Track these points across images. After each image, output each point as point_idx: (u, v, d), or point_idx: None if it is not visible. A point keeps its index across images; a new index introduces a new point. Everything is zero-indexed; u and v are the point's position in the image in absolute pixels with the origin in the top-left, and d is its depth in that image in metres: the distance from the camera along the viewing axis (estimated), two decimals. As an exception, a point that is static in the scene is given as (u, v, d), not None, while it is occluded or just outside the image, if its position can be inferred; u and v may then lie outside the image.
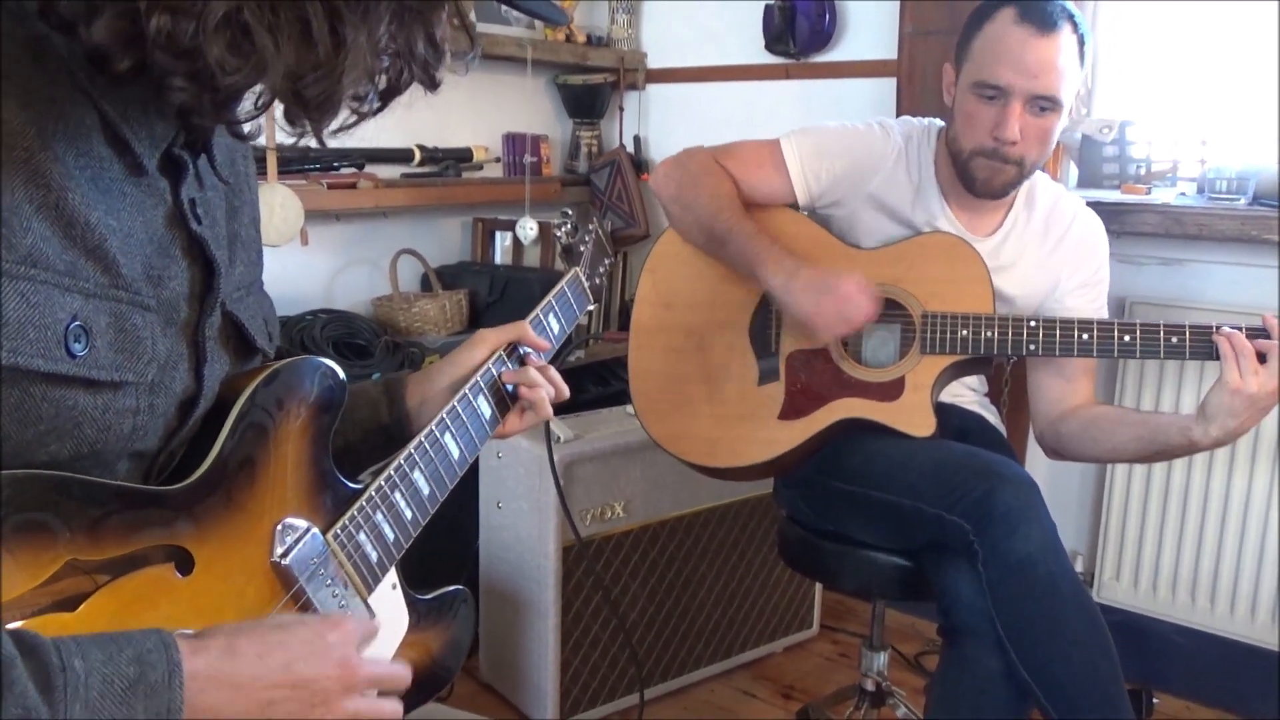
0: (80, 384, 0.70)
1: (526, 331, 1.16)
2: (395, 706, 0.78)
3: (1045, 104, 1.62)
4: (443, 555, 2.31)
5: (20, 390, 0.67)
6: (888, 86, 2.53)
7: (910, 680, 2.42)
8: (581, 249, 1.33)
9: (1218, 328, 1.53)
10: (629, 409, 2.36)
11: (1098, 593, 2.38)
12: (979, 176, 1.68)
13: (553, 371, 1.15)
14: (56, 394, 0.69)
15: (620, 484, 2.20)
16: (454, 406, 1.02)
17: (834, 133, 1.80)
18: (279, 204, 2.24)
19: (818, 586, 2.61)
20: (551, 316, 1.21)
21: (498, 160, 2.88)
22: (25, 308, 0.66)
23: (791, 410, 1.74)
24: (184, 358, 0.80)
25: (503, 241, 2.81)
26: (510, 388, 1.12)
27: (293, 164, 2.36)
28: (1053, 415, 1.79)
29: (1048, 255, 1.79)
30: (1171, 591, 2.31)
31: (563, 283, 1.26)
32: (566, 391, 1.15)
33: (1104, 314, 1.81)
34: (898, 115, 2.43)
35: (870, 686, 1.99)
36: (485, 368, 1.08)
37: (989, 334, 1.64)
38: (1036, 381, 1.82)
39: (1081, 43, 1.61)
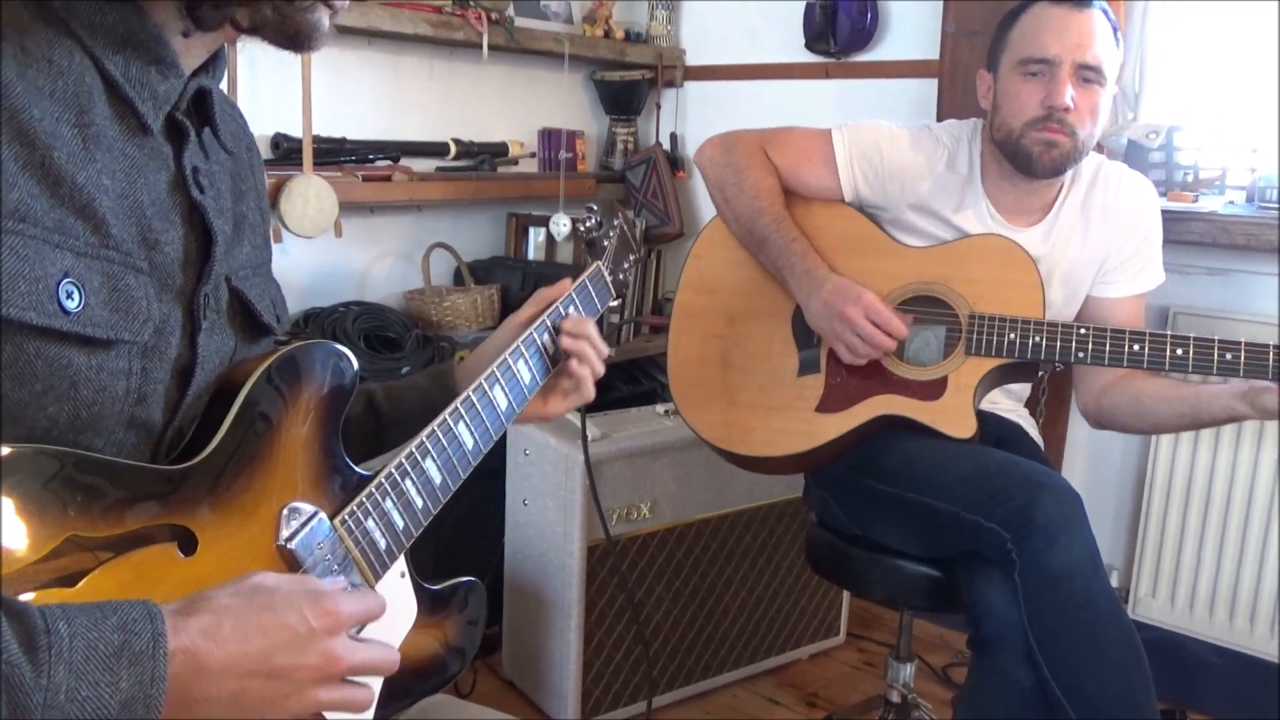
0: (74, 341, 0.70)
1: (549, 291, 1.18)
2: (367, 693, 0.76)
3: (1090, 74, 1.62)
4: (468, 551, 2.31)
5: (14, 346, 0.67)
6: (929, 87, 2.49)
7: (937, 692, 2.38)
8: (605, 243, 1.31)
9: (1277, 347, 1.47)
10: (659, 408, 2.34)
11: (1133, 609, 2.32)
12: (1034, 152, 1.64)
13: (590, 326, 1.17)
14: (51, 351, 0.69)
15: (647, 484, 2.18)
16: (469, 396, 1.00)
17: (885, 133, 1.77)
18: (314, 195, 2.24)
19: (845, 594, 2.57)
20: (571, 309, 1.20)
21: (533, 155, 2.87)
22: (15, 261, 0.66)
23: (830, 403, 1.72)
24: (179, 324, 0.80)
25: (536, 237, 2.80)
26: (553, 354, 1.14)
27: (328, 156, 2.36)
28: (1097, 387, 1.76)
29: (1095, 226, 1.74)
30: (1209, 610, 2.25)
31: (584, 276, 1.24)
32: (605, 348, 1.18)
33: (1159, 277, 1.77)
34: (939, 116, 2.40)
35: (896, 698, 1.95)
36: (502, 359, 1.07)
37: (1037, 339, 1.60)
38: None
39: (1114, 28, 1.65)
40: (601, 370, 1.16)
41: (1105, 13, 1.64)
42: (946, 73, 2.43)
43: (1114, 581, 2.41)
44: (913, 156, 1.75)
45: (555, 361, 1.15)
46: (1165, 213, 2.06)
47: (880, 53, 2.69)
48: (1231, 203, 2.20)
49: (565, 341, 1.14)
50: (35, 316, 0.67)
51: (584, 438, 2.00)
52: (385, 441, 1.11)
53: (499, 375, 1.05)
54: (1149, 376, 1.71)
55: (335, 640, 0.72)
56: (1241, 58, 2.23)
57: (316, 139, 2.30)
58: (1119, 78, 1.71)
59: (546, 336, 1.14)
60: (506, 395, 1.06)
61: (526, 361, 1.10)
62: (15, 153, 0.67)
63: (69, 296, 0.69)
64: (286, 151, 2.29)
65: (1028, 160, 1.65)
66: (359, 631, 0.80)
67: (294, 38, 0.80)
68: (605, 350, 1.17)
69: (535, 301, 1.18)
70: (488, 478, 2.23)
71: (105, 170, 0.73)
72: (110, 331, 0.72)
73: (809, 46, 2.74)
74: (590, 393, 1.16)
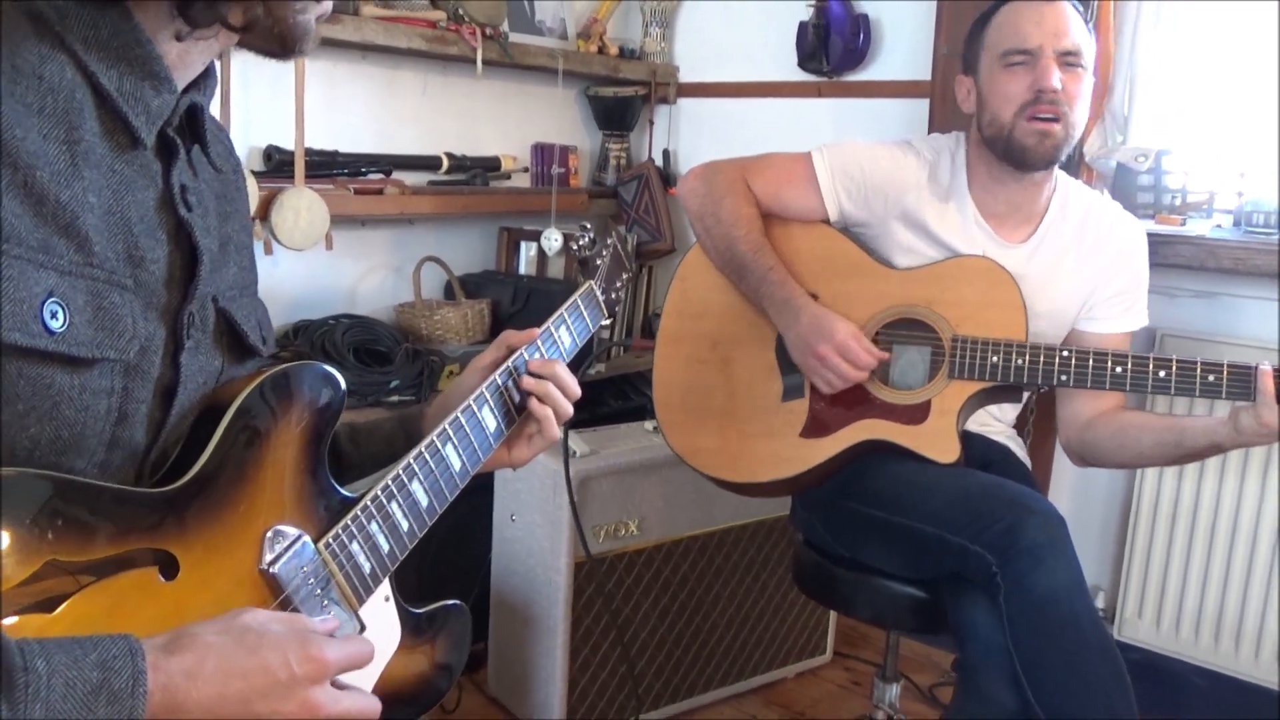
0: (58, 361, 0.70)
1: (512, 337, 1.14)
2: None
3: (1072, 58, 1.64)
4: (454, 566, 2.30)
5: None
6: (920, 107, 2.50)
7: (923, 712, 2.37)
8: (598, 262, 1.31)
9: (1258, 367, 1.48)
10: (648, 425, 2.34)
11: (1119, 630, 2.32)
12: (1028, 143, 1.64)
13: (559, 367, 1.11)
14: (34, 372, 0.69)
15: (635, 501, 2.18)
16: (457, 417, 1.00)
17: (866, 150, 1.78)
18: (305, 208, 2.24)
19: (832, 612, 2.57)
20: (563, 329, 1.19)
21: (525, 170, 2.87)
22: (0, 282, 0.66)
23: (814, 428, 1.72)
24: (162, 343, 0.80)
25: (527, 252, 2.80)
26: (518, 398, 1.10)
27: (320, 168, 2.36)
28: (1079, 422, 1.75)
29: (1085, 260, 1.75)
30: (1194, 632, 2.25)
31: (576, 296, 1.24)
32: (576, 390, 1.12)
33: (1143, 320, 1.78)
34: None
35: (882, 717, 1.95)
36: (491, 379, 1.06)
37: (1020, 361, 1.61)
38: (1063, 389, 1.78)
39: (1084, 18, 1.68)
40: (569, 412, 1.11)
41: (1074, 3, 1.67)
42: (938, 93, 2.44)
43: (1100, 602, 2.41)
44: (893, 169, 1.76)
45: (520, 409, 1.10)
46: (1153, 235, 2.08)
47: (873, 72, 2.70)
48: (1219, 226, 2.21)
49: (527, 382, 1.09)
50: (20, 337, 0.67)
51: (565, 455, 1.99)
52: (343, 483, 1.09)
53: (487, 394, 1.05)
54: (1133, 411, 1.72)
55: (317, 689, 0.72)
56: (1230, 83, 2.24)
57: (309, 151, 2.30)
58: (1094, 68, 1.72)
59: (510, 382, 1.09)
60: (495, 416, 1.06)
61: (491, 407, 1.06)
62: None
63: (53, 316, 0.69)
64: (279, 164, 2.29)
65: (1022, 152, 1.65)
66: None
67: (284, 39, 0.81)
68: (575, 391, 1.12)
69: (498, 346, 1.13)
70: (475, 493, 2.21)
71: (92, 187, 0.73)
72: (95, 350, 0.72)
73: (802, 65, 2.75)
74: (555, 434, 1.11)
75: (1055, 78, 1.61)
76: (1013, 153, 1.67)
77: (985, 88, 1.70)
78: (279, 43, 0.81)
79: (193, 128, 0.85)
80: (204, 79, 0.85)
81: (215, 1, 0.76)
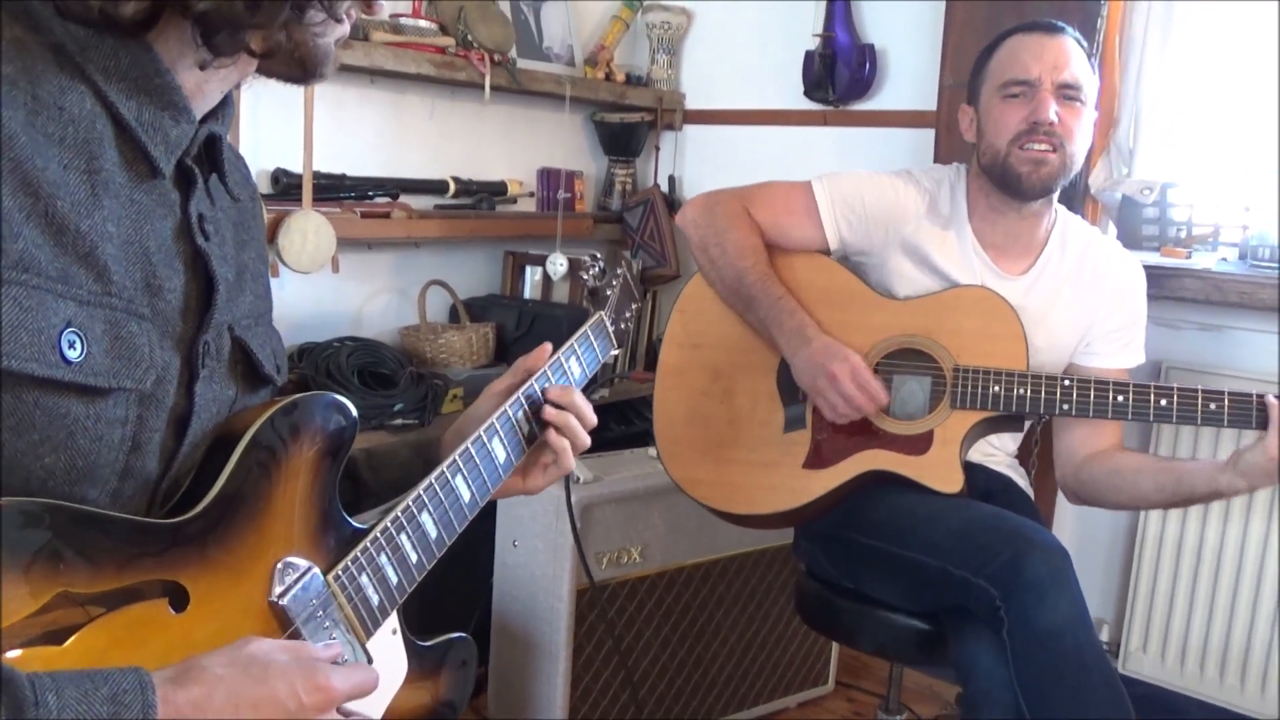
0: (74, 391, 0.70)
1: (529, 361, 1.14)
2: None
3: (1071, 91, 1.65)
4: (456, 591, 2.29)
5: (14, 397, 0.67)
6: (926, 137, 2.51)
7: (926, 743, 2.36)
8: (608, 293, 1.31)
9: (1259, 396, 1.49)
10: (651, 451, 2.33)
11: (1123, 664, 2.31)
12: (1022, 172, 1.65)
13: (577, 397, 1.13)
14: (50, 401, 0.69)
15: (638, 528, 2.17)
16: (467, 448, 1.00)
17: (866, 180, 1.79)
18: (312, 231, 2.24)
19: (834, 642, 2.55)
20: (573, 360, 1.20)
21: (531, 195, 2.88)
22: (18, 312, 0.66)
23: (816, 460, 1.71)
24: (177, 372, 0.80)
25: (533, 276, 2.81)
26: (529, 428, 1.10)
27: (327, 192, 2.37)
28: (1076, 460, 1.76)
29: (1082, 294, 1.76)
30: (1199, 666, 2.24)
31: (586, 326, 1.25)
32: (594, 419, 1.14)
33: (1140, 357, 1.79)
34: (935, 167, 2.42)
35: (884, 750, 1.94)
36: (502, 410, 1.06)
37: (1022, 391, 1.61)
38: (1060, 424, 1.79)
39: (1088, 54, 1.70)
40: (586, 443, 1.12)
41: (1078, 40, 1.68)
42: (943, 124, 2.45)
43: (1104, 635, 2.40)
44: (894, 198, 1.77)
45: (533, 438, 1.10)
46: (1158, 268, 2.09)
47: (878, 102, 2.71)
48: (1224, 260, 2.22)
49: (549, 412, 1.10)
50: (37, 368, 0.67)
51: (567, 482, 1.99)
52: (359, 509, 1.09)
53: (498, 426, 1.05)
54: (1131, 452, 1.73)
55: (324, 718, 0.72)
56: (1236, 116, 2.25)
57: (316, 175, 2.31)
58: (1097, 103, 1.74)
59: (522, 413, 1.09)
60: (505, 447, 1.05)
61: (501, 438, 1.06)
62: (19, 203, 0.67)
63: (71, 346, 0.69)
64: (286, 187, 2.30)
65: (1017, 180, 1.66)
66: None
67: (304, 64, 0.81)
68: (592, 420, 1.14)
69: (514, 371, 1.14)
70: (478, 518, 2.21)
71: (111, 216, 0.73)
72: (112, 380, 0.72)
73: (808, 94, 2.76)
74: (571, 465, 1.12)
75: (1051, 110, 1.63)
76: (1008, 181, 1.68)
77: (983, 117, 1.72)
78: (300, 67, 0.82)
79: (211, 157, 0.86)
80: (222, 108, 0.85)
81: (238, 30, 0.76)
